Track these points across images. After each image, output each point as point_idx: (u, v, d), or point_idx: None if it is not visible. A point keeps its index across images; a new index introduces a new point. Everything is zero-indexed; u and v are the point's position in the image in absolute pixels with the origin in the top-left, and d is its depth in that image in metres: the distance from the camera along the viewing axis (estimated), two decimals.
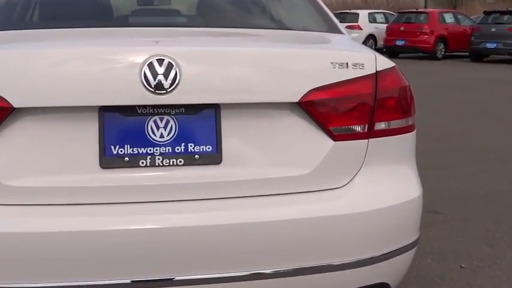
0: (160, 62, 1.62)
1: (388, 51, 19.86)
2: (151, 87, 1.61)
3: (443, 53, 19.61)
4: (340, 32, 2.29)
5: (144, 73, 1.61)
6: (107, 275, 1.59)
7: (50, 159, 1.64)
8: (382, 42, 20.76)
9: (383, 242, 1.79)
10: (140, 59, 1.62)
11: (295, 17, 2.49)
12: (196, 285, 1.64)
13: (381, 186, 1.82)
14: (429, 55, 19.24)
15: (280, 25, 2.41)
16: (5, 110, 1.60)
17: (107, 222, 1.60)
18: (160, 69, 1.61)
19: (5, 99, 1.59)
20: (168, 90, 1.62)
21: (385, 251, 1.79)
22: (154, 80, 1.61)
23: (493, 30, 17.88)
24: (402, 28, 19.69)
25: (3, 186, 1.61)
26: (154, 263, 1.59)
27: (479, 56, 18.50)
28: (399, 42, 19.69)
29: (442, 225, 3.71)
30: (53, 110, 1.63)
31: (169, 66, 1.62)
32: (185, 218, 1.64)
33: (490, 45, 17.93)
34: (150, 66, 1.62)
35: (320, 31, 2.30)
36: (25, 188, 1.62)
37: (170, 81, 1.61)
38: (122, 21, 2.41)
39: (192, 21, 2.45)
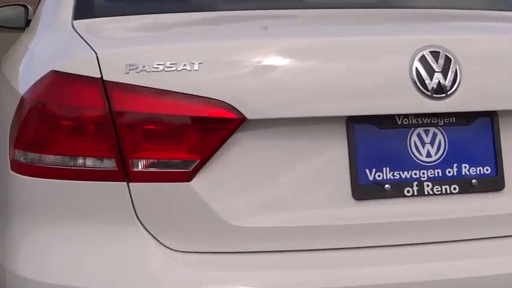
0: (435, 55, 1.57)
1: None
2: (427, 90, 1.56)
3: None
4: None
5: (417, 70, 1.56)
6: None
7: (283, 189, 1.57)
8: None
9: None
10: (408, 50, 1.57)
11: None
12: None
13: None
14: None
15: None
16: (233, 122, 1.51)
17: (389, 273, 1.55)
18: (436, 66, 1.57)
19: (235, 108, 1.50)
20: (448, 93, 1.57)
21: None
22: (431, 79, 1.56)
23: None
24: None
25: (230, 228, 1.52)
26: None
27: None
28: None
29: None
30: (286, 122, 1.55)
31: (447, 61, 1.58)
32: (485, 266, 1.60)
33: None
34: (423, 61, 1.56)
35: None
36: (258, 229, 1.54)
37: (450, 82, 1.57)
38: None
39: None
